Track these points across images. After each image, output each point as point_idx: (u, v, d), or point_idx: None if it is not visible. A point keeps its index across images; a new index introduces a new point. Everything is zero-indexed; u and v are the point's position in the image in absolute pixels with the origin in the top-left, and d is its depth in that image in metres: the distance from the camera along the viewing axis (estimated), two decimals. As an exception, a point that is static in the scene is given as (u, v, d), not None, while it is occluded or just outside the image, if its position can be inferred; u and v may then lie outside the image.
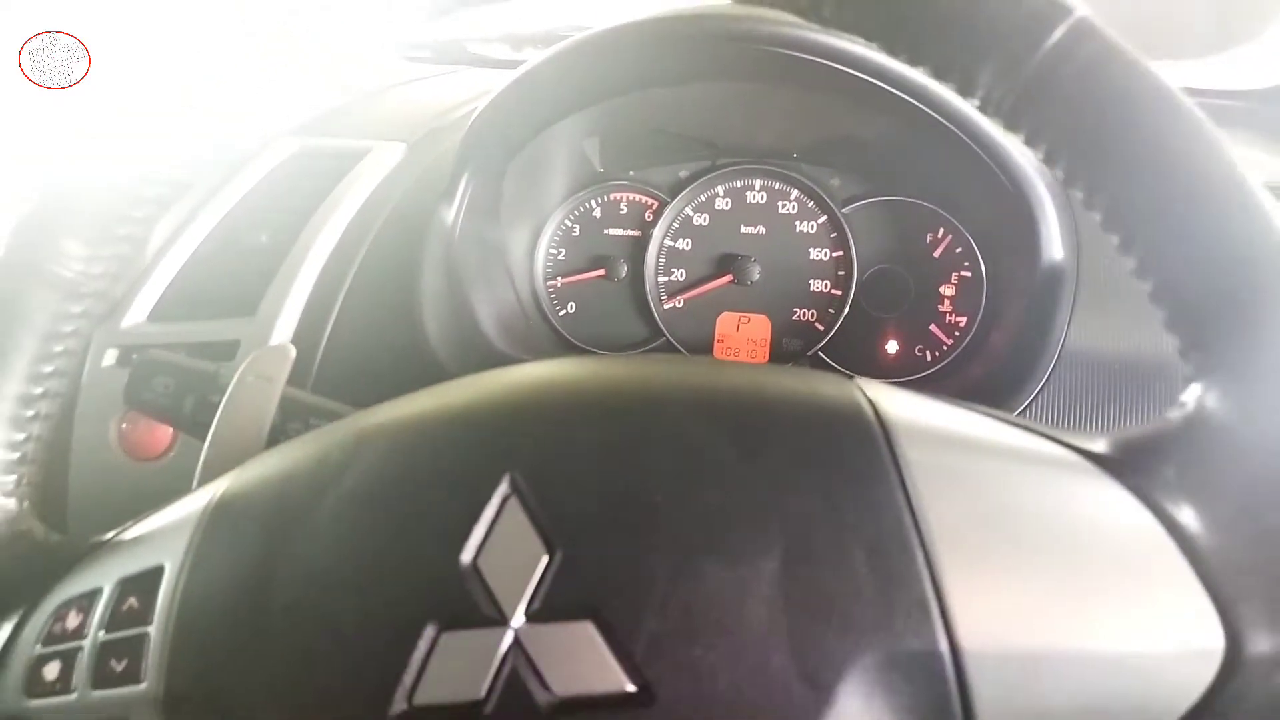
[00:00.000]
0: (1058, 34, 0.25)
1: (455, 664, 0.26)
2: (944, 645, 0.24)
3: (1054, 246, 0.54)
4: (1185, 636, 0.24)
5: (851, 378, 0.30)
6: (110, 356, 0.59)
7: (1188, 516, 0.25)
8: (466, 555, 0.27)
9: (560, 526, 0.27)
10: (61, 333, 0.35)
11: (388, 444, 0.30)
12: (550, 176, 0.67)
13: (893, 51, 0.28)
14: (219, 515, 0.31)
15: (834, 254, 0.67)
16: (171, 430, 0.55)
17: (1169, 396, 0.51)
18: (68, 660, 0.31)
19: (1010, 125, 0.27)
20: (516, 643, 0.26)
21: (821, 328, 0.66)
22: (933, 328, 0.64)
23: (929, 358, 0.64)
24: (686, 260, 0.69)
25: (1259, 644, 0.24)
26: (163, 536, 0.32)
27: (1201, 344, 0.25)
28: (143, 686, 0.29)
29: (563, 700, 0.25)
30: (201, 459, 0.39)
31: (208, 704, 0.29)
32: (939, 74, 0.27)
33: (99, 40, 0.33)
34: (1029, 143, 0.27)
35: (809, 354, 0.66)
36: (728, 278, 0.67)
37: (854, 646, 0.25)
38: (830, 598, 0.25)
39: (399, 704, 0.26)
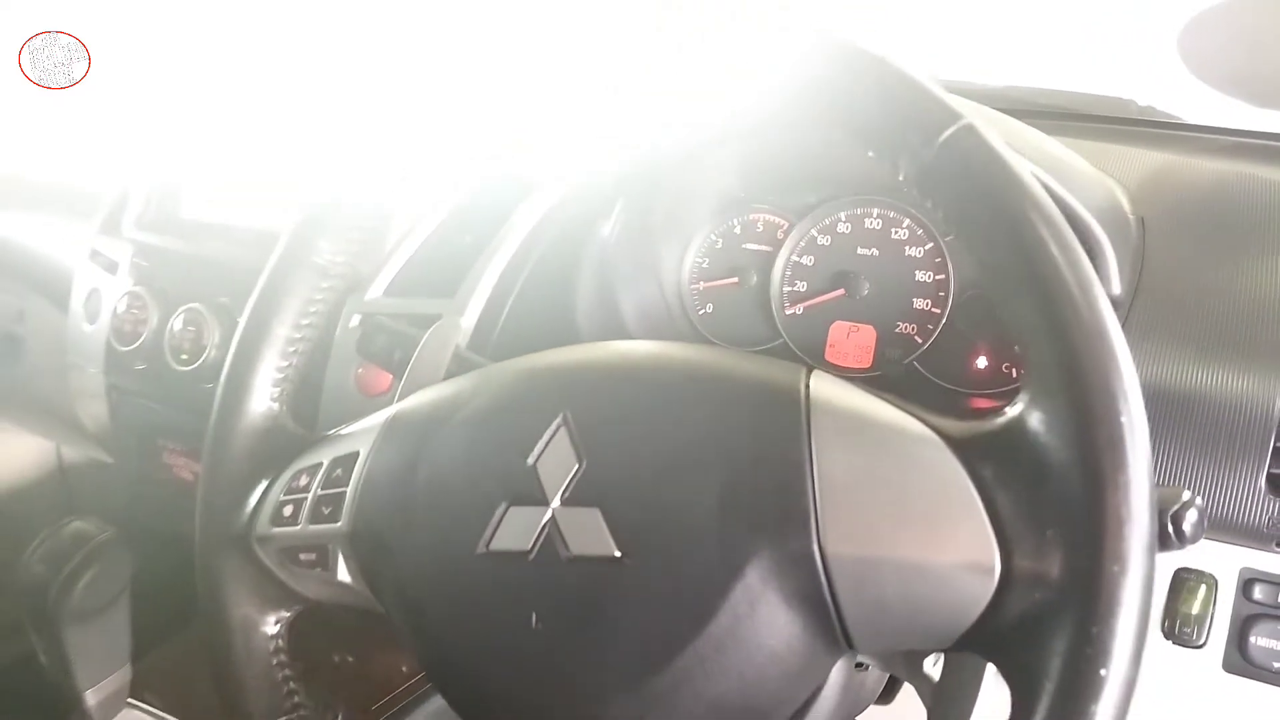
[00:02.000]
0: (948, 132, 0.37)
1: (515, 528, 0.41)
2: (816, 549, 0.36)
3: (1111, 284, 0.62)
4: (976, 557, 0.35)
5: (811, 367, 0.42)
6: (354, 320, 0.79)
7: (991, 481, 0.35)
8: (530, 460, 0.42)
9: (589, 448, 0.41)
10: (315, 300, 0.53)
11: (494, 386, 0.46)
12: (697, 201, 0.81)
13: (851, 142, 0.40)
14: (393, 423, 0.48)
15: (936, 277, 0.76)
16: (391, 375, 0.75)
17: (1190, 423, 0.57)
18: (297, 505, 0.49)
19: (921, 194, 0.38)
20: (552, 518, 0.41)
21: (920, 340, 0.76)
22: (1016, 348, 0.72)
23: (1014, 374, 0.73)
24: (808, 274, 0.80)
25: (1023, 564, 0.34)
26: (360, 434, 0.49)
27: (1027, 373, 0.36)
28: (339, 525, 0.47)
29: (574, 556, 0.40)
30: (397, 393, 0.56)
31: (374, 539, 0.46)
32: (878, 156, 0.39)
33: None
34: (932, 209, 0.38)
35: (905, 362, 0.76)
36: (841, 291, 0.78)
37: (759, 539, 0.37)
38: (748, 506, 0.38)
39: (480, 548, 0.42)
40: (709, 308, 0.84)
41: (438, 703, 0.89)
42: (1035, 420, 0.35)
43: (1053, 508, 0.34)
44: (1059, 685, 0.32)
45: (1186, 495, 0.38)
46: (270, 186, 0.85)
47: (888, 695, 0.68)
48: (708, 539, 0.38)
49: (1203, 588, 0.55)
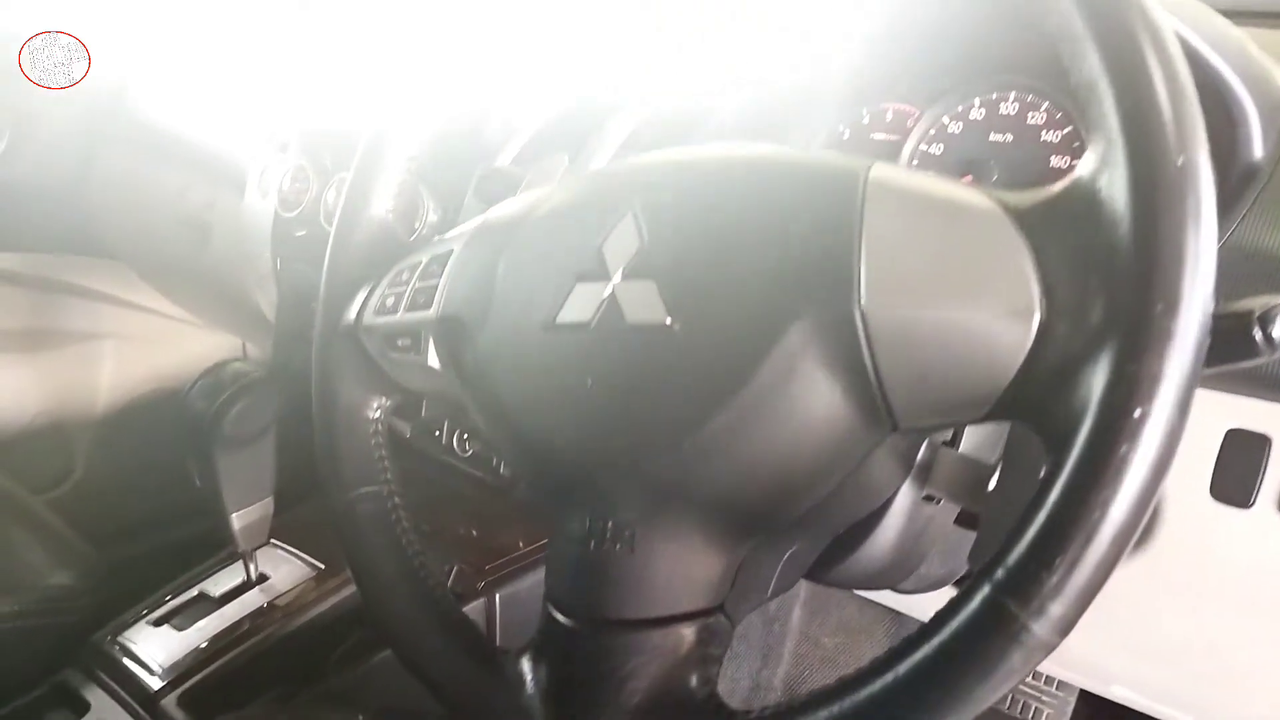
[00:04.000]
0: None
1: (580, 302, 0.44)
2: (857, 310, 0.36)
3: (1254, 146, 0.58)
4: (1016, 306, 0.34)
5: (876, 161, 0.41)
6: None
7: (1042, 235, 0.34)
8: (598, 241, 0.44)
9: (651, 230, 0.43)
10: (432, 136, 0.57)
11: (573, 185, 0.48)
12: (825, 94, 0.81)
13: None
14: (484, 224, 0.51)
15: (1072, 162, 0.72)
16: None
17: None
18: (398, 297, 0.53)
19: None
20: (612, 292, 0.42)
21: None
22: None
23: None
24: (935, 163, 0.78)
25: (1063, 309, 0.33)
26: (456, 237, 0.52)
27: (1090, 129, 0.34)
28: (430, 312, 0.50)
29: (630, 325, 0.42)
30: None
31: (458, 323, 0.49)
32: None
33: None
34: None
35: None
36: (969, 177, 0.76)
37: (801, 302, 0.38)
38: (794, 273, 0.38)
39: (548, 322, 0.44)
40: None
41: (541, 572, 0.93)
42: (1094, 173, 0.33)
43: (1103, 252, 0.32)
44: (1092, 429, 0.31)
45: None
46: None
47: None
48: (752, 305, 0.39)
49: (1254, 447, 0.52)
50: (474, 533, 1.01)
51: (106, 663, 0.85)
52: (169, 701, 0.79)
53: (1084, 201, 0.34)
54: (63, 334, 1.48)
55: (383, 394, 0.55)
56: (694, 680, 0.41)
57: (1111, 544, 0.30)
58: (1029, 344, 0.34)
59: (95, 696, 0.82)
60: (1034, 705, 1.07)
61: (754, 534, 0.42)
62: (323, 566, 0.93)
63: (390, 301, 0.53)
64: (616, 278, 0.42)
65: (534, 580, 0.92)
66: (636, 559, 0.41)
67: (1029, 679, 1.08)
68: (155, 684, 0.80)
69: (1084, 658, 0.74)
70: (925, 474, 0.49)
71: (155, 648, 0.84)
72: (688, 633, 0.41)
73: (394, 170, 0.57)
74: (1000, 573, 0.32)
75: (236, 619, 0.87)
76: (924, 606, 0.81)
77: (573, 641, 0.43)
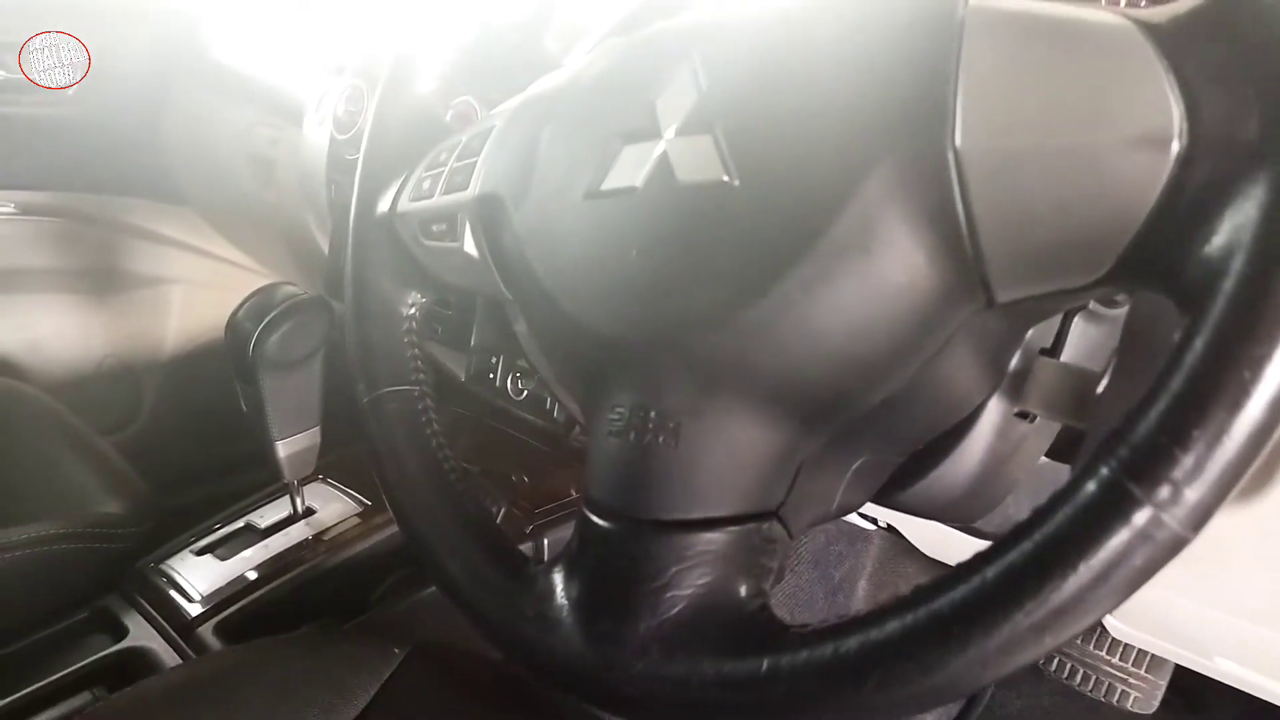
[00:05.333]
0: None
1: (627, 165, 0.39)
2: (949, 146, 0.30)
3: None
4: (1152, 127, 0.28)
5: None
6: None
7: (1185, 48, 0.28)
8: (650, 97, 0.39)
9: (709, 77, 0.37)
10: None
11: (622, 46, 0.43)
12: None
13: None
14: (527, 96, 0.46)
15: None
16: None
17: None
18: (435, 179, 0.48)
19: None
20: (664, 151, 0.37)
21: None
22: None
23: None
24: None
25: (1211, 129, 0.27)
26: (499, 114, 0.48)
27: None
28: (467, 192, 0.46)
29: (684, 184, 0.36)
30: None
31: (496, 202, 0.44)
32: None
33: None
34: None
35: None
36: None
37: (882, 143, 0.32)
38: (875, 109, 0.33)
39: (591, 190, 0.39)
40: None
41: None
42: None
43: (1261, 63, 0.26)
44: (1242, 272, 0.25)
45: None
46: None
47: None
48: (826, 153, 0.33)
49: None
50: (525, 478, 0.97)
51: (147, 589, 0.83)
52: (205, 629, 0.77)
53: (1236, 5, 0.27)
54: (132, 277, 1.48)
55: (417, 288, 0.51)
56: (743, 590, 0.35)
57: (1265, 413, 0.24)
58: (1164, 178, 0.27)
59: (134, 622, 0.80)
60: (1119, 688, 0.98)
61: (818, 429, 0.36)
62: (369, 503, 0.90)
63: (427, 185, 0.49)
64: (669, 134, 0.37)
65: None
66: (681, 453, 0.36)
67: (1114, 658, 0.99)
68: (193, 611, 0.78)
69: (1182, 624, 0.66)
70: (1019, 386, 0.43)
71: (196, 576, 0.83)
72: (737, 537, 0.35)
73: (439, 52, 0.53)
74: (1123, 450, 0.26)
75: (280, 551, 0.84)
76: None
77: (608, 545, 0.37)
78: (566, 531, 0.87)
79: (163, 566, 0.85)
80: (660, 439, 0.36)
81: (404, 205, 0.50)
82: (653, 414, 0.36)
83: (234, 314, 0.81)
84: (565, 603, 0.38)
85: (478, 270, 0.47)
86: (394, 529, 0.86)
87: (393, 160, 0.52)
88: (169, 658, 0.76)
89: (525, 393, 0.95)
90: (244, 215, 1.37)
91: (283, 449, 0.82)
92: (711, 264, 0.35)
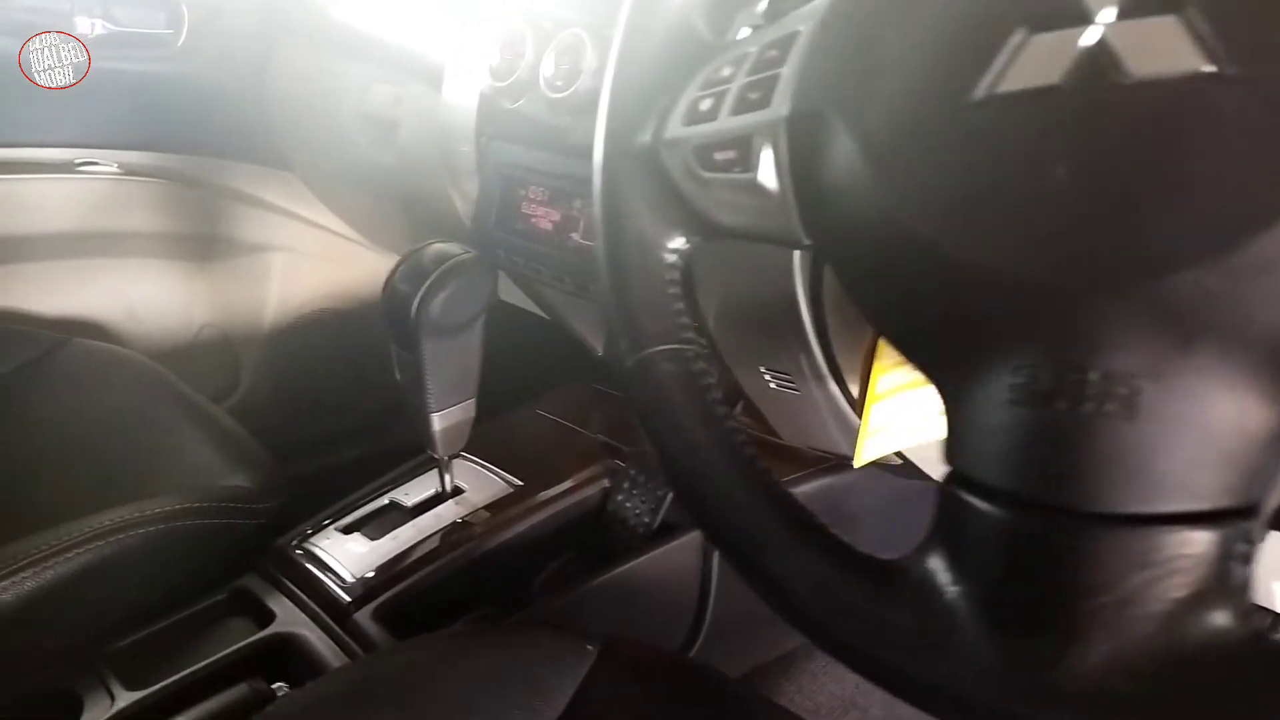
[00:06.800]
0: None
1: (1037, 59, 0.30)
2: None
3: None
4: None
5: None
6: None
7: None
8: None
9: None
10: None
11: None
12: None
13: None
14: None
15: None
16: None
17: None
18: (717, 98, 0.41)
19: None
20: (1101, 38, 0.29)
21: None
22: None
23: None
24: None
25: None
26: (800, 16, 0.40)
27: None
28: (769, 110, 0.38)
29: (1139, 79, 0.28)
30: None
31: (817, 119, 0.36)
32: None
33: None
34: None
35: None
36: None
37: None
38: None
39: (978, 93, 0.31)
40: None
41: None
42: None
43: None
44: None
45: None
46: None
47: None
48: None
49: None
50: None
51: (292, 569, 0.77)
52: (363, 615, 0.71)
53: None
54: (233, 244, 1.43)
55: (681, 229, 0.43)
56: (1230, 610, 0.27)
57: None
58: None
59: (279, 604, 0.74)
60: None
61: None
62: (521, 483, 0.83)
63: (706, 106, 0.41)
64: (1106, 16, 0.29)
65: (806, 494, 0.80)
66: (1141, 427, 0.28)
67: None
68: (347, 595, 0.72)
69: None
70: None
71: (346, 556, 0.76)
72: (1219, 540, 0.27)
73: None
74: None
75: (433, 531, 0.78)
76: None
77: (1023, 543, 0.30)
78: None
79: (306, 545, 0.79)
80: (1106, 408, 0.28)
81: (674, 130, 0.42)
82: (1093, 376, 0.28)
83: (391, 276, 0.74)
84: (961, 615, 0.30)
85: (770, 208, 0.39)
86: (554, 510, 0.80)
87: (650, 83, 0.44)
88: (322, 644, 0.70)
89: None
90: (354, 180, 1.31)
91: (438, 421, 0.75)
92: (1188, 182, 0.27)
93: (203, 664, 0.69)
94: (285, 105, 1.34)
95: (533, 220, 0.82)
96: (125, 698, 0.66)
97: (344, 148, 1.23)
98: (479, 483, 0.84)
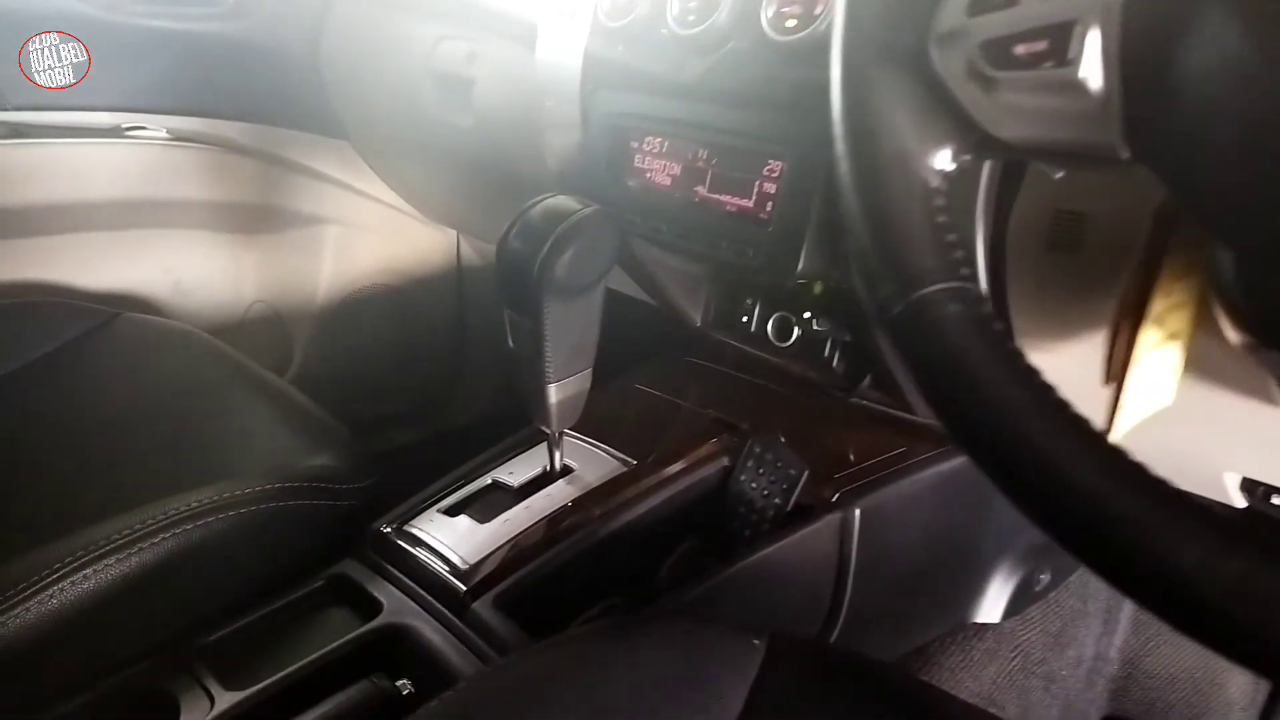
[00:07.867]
0: None
1: None
2: None
3: None
4: None
5: None
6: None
7: None
8: None
9: None
10: None
11: None
12: None
13: None
14: None
15: None
16: None
17: None
18: None
19: None
20: None
21: None
22: None
23: None
24: None
25: None
26: None
27: None
28: None
29: None
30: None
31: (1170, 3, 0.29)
32: None
33: None
34: None
35: None
36: None
37: None
38: None
39: None
40: None
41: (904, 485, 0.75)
42: None
43: None
44: None
45: None
46: None
47: None
48: None
49: None
50: (781, 438, 0.82)
51: (395, 555, 0.71)
52: (483, 604, 0.64)
53: None
54: (285, 215, 1.36)
55: (949, 145, 0.36)
56: None
57: None
58: None
59: (383, 592, 0.68)
60: None
61: None
62: (634, 462, 0.76)
63: None
64: None
65: (898, 494, 0.74)
66: None
67: None
68: (462, 584, 0.66)
69: None
70: None
71: (454, 541, 0.70)
72: None
73: None
74: None
75: (546, 514, 0.71)
76: None
77: None
78: (879, 499, 0.73)
79: (408, 529, 0.72)
80: None
81: (953, 21, 0.35)
82: None
83: (505, 235, 0.67)
84: None
85: (1085, 111, 0.32)
86: (673, 490, 0.73)
87: None
88: (440, 636, 0.63)
89: (794, 339, 0.81)
90: (416, 145, 1.23)
91: (555, 393, 0.69)
92: None
93: (309, 659, 0.62)
94: (341, 68, 1.27)
95: (648, 175, 0.75)
96: (226, 698, 0.60)
97: (408, 111, 1.16)
98: (589, 461, 0.77)
